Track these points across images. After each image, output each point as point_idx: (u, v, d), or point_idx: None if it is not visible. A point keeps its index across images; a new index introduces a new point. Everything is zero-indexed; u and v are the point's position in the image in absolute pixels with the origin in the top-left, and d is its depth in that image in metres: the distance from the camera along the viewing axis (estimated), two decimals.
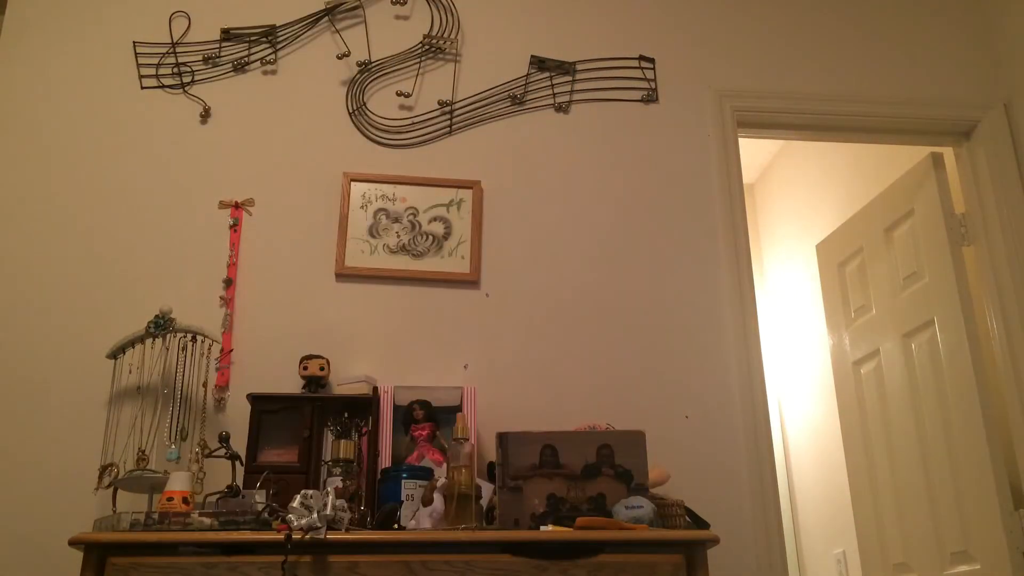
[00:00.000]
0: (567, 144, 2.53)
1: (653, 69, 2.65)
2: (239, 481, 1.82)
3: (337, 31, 2.54)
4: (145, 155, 2.34)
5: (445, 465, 1.88)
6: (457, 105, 2.51)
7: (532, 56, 2.59)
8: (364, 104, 2.48)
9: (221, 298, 2.24)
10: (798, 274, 3.83)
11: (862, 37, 2.79)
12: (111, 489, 1.88)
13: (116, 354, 2.05)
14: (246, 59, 2.47)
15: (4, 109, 2.35)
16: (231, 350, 2.19)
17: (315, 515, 1.55)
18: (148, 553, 1.56)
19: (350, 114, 2.47)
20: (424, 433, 1.99)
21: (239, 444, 1.94)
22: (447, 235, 2.37)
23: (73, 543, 1.57)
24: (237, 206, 2.33)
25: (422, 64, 2.55)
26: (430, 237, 2.36)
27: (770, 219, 4.19)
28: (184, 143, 2.36)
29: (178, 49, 2.46)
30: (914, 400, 2.76)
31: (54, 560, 1.95)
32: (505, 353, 2.29)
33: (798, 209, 3.92)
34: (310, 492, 1.58)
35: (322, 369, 2.10)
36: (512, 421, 2.18)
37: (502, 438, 1.75)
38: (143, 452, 1.91)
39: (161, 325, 2.01)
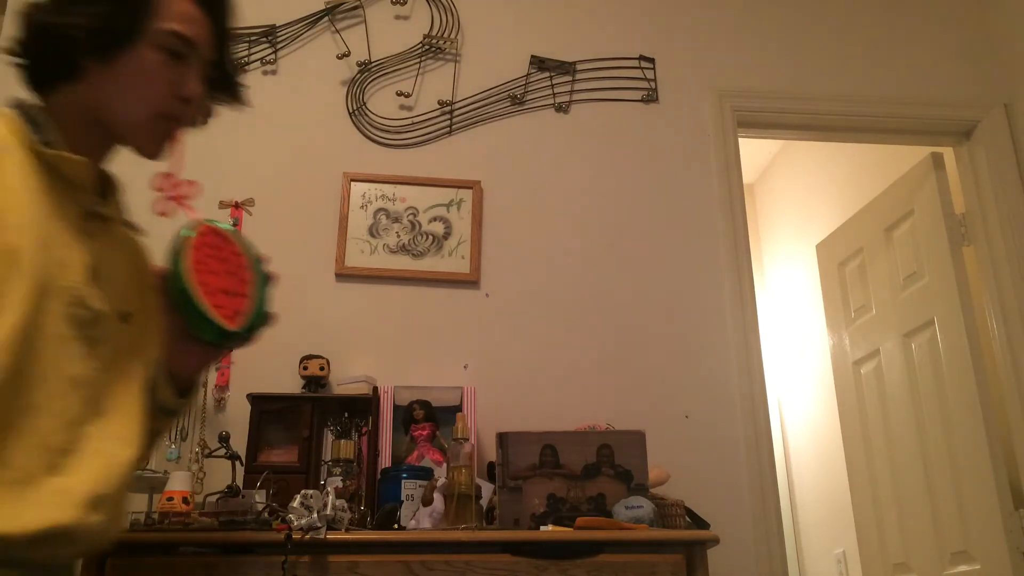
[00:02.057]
0: (567, 144, 2.53)
1: (653, 69, 2.65)
2: (239, 481, 1.82)
3: (337, 31, 2.54)
4: None
5: (445, 465, 1.88)
6: (457, 105, 2.51)
7: (532, 56, 2.59)
8: (364, 104, 2.48)
9: None
10: (798, 274, 3.83)
11: (862, 37, 2.79)
12: None
13: None
14: (246, 59, 2.47)
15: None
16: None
17: (315, 515, 1.55)
18: (148, 553, 1.56)
19: (350, 114, 2.47)
20: (424, 433, 1.99)
21: (239, 444, 1.94)
22: (447, 235, 2.37)
23: None
24: (237, 206, 2.32)
25: (422, 64, 2.55)
26: (430, 237, 2.36)
27: (770, 219, 4.19)
28: (184, 143, 2.36)
29: None
30: (914, 400, 2.76)
31: None
32: (505, 353, 2.29)
33: (798, 209, 3.92)
34: (310, 492, 1.58)
35: (322, 369, 2.10)
36: (512, 421, 2.17)
37: (502, 438, 1.75)
38: None
39: None
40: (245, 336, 1.12)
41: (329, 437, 1.94)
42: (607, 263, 2.42)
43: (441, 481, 1.74)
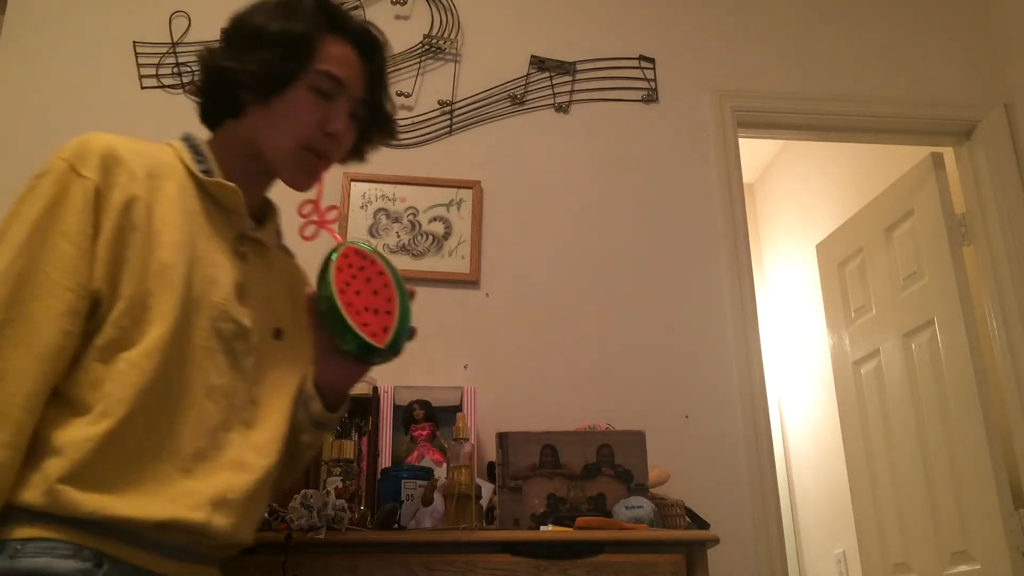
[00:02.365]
0: (567, 144, 2.53)
1: (653, 69, 2.65)
2: None
3: None
4: None
5: (445, 465, 1.88)
6: (457, 105, 2.51)
7: (532, 56, 2.59)
8: None
9: None
10: (798, 274, 3.83)
11: (862, 37, 2.79)
12: None
13: None
14: None
15: (4, 109, 2.35)
16: None
17: (315, 515, 1.55)
18: None
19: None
20: (424, 433, 1.99)
21: None
22: (447, 235, 2.37)
23: None
24: None
25: (422, 64, 2.55)
26: (430, 237, 2.36)
27: (770, 219, 4.19)
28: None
29: (178, 49, 2.46)
30: (914, 400, 2.76)
31: None
32: (505, 353, 2.29)
33: (798, 209, 3.92)
34: (310, 492, 1.58)
35: None
36: (512, 421, 2.17)
37: (502, 438, 1.75)
38: None
39: None
40: (391, 352, 1.16)
41: (329, 437, 1.94)
42: (607, 263, 2.42)
43: (441, 481, 1.74)
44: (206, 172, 1.19)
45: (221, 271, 1.15)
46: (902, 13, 2.84)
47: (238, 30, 1.22)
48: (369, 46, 1.29)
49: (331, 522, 1.56)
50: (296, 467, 1.31)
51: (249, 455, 1.13)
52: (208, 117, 1.28)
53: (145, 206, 1.10)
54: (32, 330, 1.01)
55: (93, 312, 1.05)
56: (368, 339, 1.13)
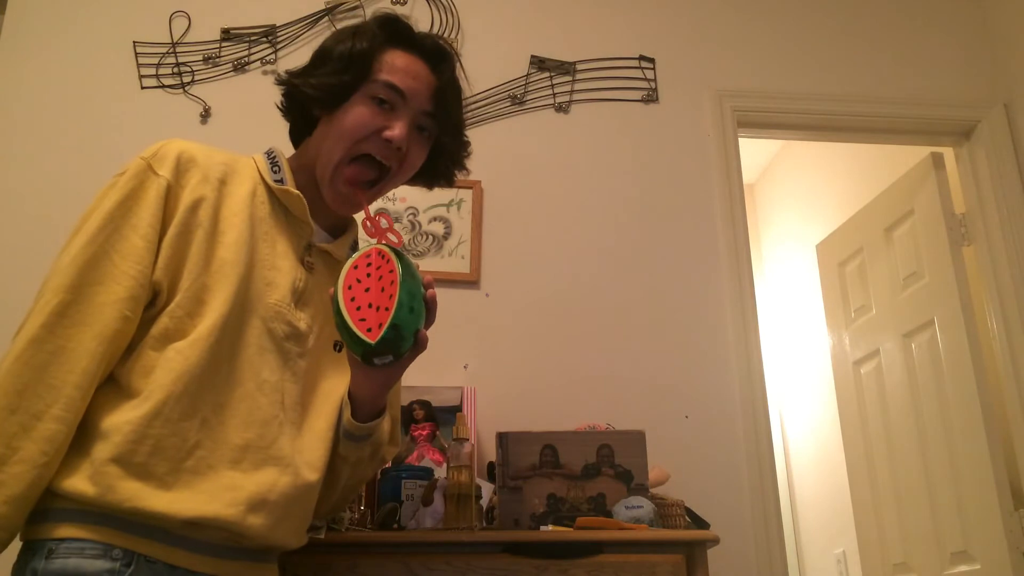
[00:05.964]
0: (567, 144, 2.53)
1: (653, 69, 2.64)
2: None
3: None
4: None
5: (445, 465, 1.88)
6: None
7: (532, 56, 2.59)
8: None
9: None
10: (798, 274, 3.83)
11: (862, 37, 2.79)
12: None
13: None
14: (246, 59, 2.47)
15: (4, 109, 2.35)
16: None
17: None
18: None
19: None
20: (424, 433, 1.99)
21: None
22: (447, 235, 2.37)
23: None
24: None
25: None
26: (430, 237, 2.36)
27: (770, 219, 4.19)
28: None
29: (178, 49, 2.46)
30: (914, 400, 2.76)
31: None
32: (505, 353, 2.29)
33: (798, 209, 3.92)
34: None
35: None
36: (512, 421, 2.17)
37: (502, 438, 1.75)
38: None
39: None
40: (382, 349, 1.11)
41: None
42: (607, 263, 2.42)
43: (441, 481, 1.74)
44: (279, 182, 1.23)
45: (280, 275, 1.18)
46: (902, 13, 2.84)
47: (314, 54, 1.28)
48: (436, 58, 1.28)
49: (331, 522, 1.56)
50: (331, 482, 1.27)
51: (298, 457, 1.14)
52: (291, 135, 1.36)
53: (212, 207, 1.15)
54: (94, 312, 1.05)
55: (152, 302, 1.10)
56: (358, 331, 1.09)
